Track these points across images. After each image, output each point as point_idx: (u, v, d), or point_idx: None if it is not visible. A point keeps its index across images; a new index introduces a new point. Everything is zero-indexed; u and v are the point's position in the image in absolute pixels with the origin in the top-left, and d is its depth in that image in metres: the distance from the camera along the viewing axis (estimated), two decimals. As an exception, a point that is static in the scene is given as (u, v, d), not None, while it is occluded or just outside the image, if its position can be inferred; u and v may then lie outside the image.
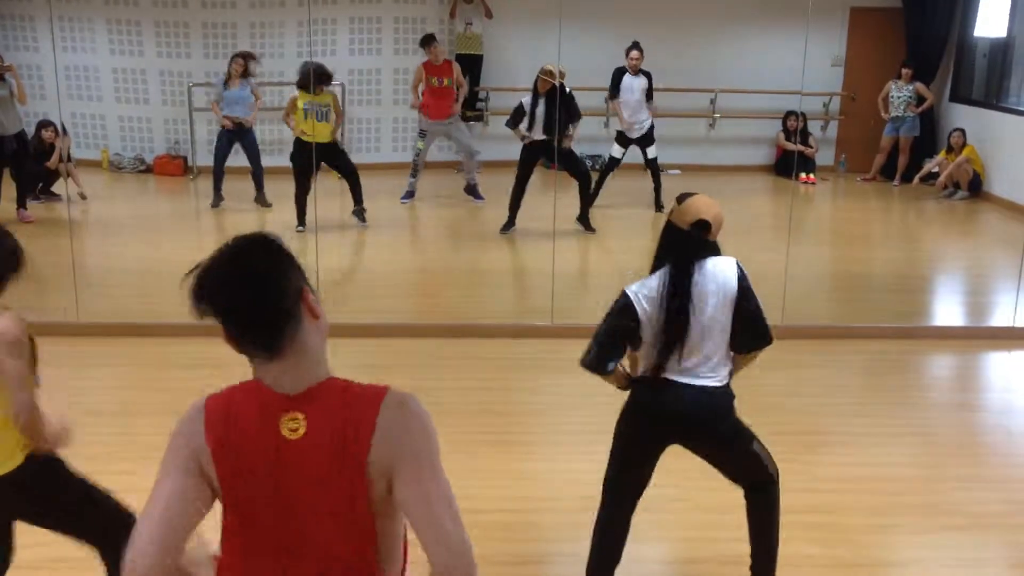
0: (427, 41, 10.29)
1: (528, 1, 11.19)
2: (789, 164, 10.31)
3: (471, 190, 10.38)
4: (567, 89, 8.81)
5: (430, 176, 10.74)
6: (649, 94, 9.95)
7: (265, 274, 1.81)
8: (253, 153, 9.93)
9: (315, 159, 8.27)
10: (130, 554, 1.80)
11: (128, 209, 10.55)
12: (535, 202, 9.01)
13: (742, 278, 3.26)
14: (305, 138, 8.63)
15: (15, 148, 9.20)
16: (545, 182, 9.88)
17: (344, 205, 9.19)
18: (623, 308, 3.29)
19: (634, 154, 10.06)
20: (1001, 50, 11.47)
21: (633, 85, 9.90)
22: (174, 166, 11.69)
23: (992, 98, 11.64)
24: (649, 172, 10.10)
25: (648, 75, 9.95)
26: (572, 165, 9.03)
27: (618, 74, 9.99)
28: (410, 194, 10.39)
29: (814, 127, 12.38)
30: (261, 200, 9.94)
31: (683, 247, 3.28)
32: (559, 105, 8.39)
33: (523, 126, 9.04)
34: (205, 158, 10.65)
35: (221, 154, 9.93)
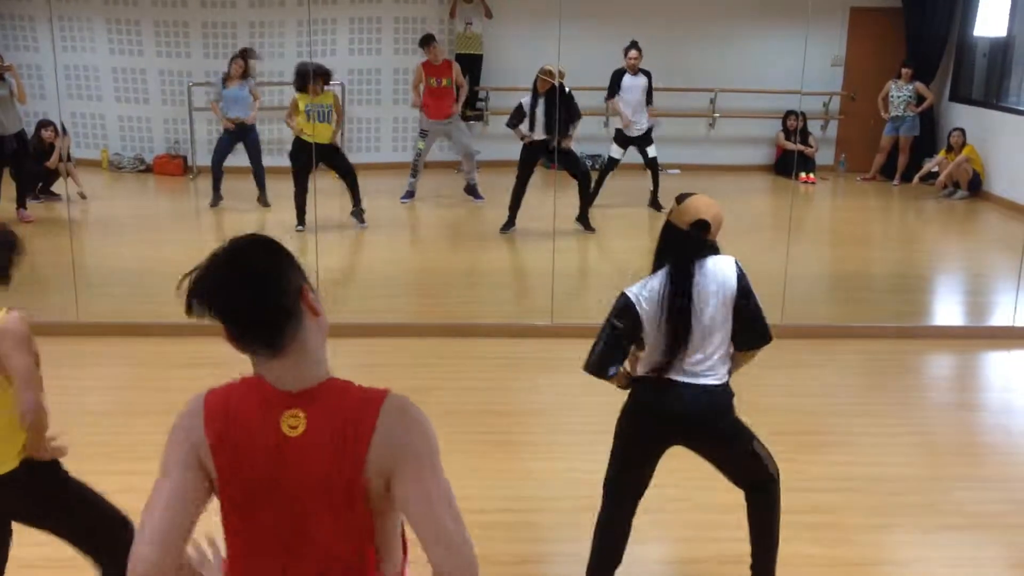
0: (426, 41, 10.29)
1: (528, 1, 11.19)
2: (789, 164, 10.31)
3: (471, 190, 10.38)
4: (567, 89, 8.81)
5: (430, 176, 10.74)
6: (649, 96, 9.94)
7: (264, 274, 1.82)
8: (255, 153, 9.92)
9: (314, 159, 8.28)
10: (133, 553, 1.81)
11: (128, 209, 10.55)
12: (535, 202, 9.01)
13: (741, 277, 3.26)
14: (305, 138, 8.64)
15: (15, 148, 9.20)
16: (545, 182, 9.88)
17: (344, 205, 9.20)
18: (623, 310, 3.29)
19: (633, 154, 10.06)
20: (1001, 50, 11.47)
21: (633, 85, 9.90)
22: (174, 166, 11.69)
23: (992, 98, 11.64)
24: (649, 172, 10.09)
25: (648, 74, 9.94)
26: (572, 165, 9.04)
27: (617, 75, 9.98)
28: (410, 194, 10.39)
29: (814, 127, 12.38)
30: (263, 200, 9.95)
31: (683, 247, 3.28)
32: (559, 105, 8.39)
33: (523, 126, 9.04)
34: (205, 158, 10.65)
35: (221, 154, 9.93)
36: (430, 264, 8.63)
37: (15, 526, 3.04)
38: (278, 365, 1.84)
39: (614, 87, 9.95)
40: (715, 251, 3.32)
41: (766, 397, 5.15)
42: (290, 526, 1.85)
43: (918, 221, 11.14)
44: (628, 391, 3.44)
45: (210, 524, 1.92)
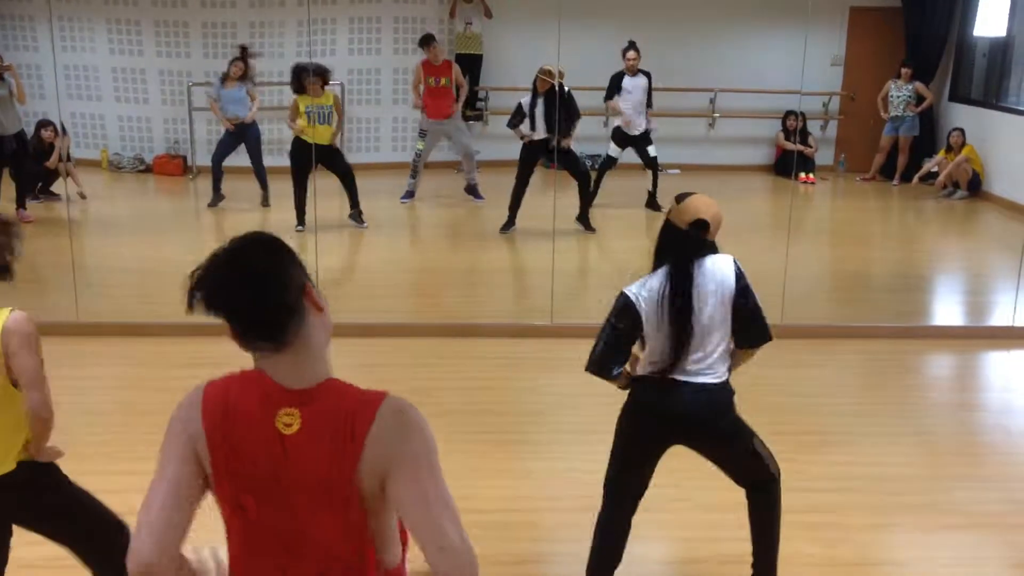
0: (426, 41, 10.29)
1: (528, 1, 11.19)
2: (788, 164, 10.32)
3: (471, 190, 10.38)
4: (566, 89, 8.81)
5: (430, 176, 10.74)
6: (649, 98, 9.94)
7: (266, 272, 1.82)
8: (255, 151, 9.92)
9: (314, 161, 8.28)
10: (132, 548, 1.82)
11: (128, 209, 10.55)
12: (535, 202, 9.01)
13: (740, 276, 3.26)
14: (304, 138, 8.65)
15: (14, 148, 9.20)
16: (545, 182, 9.88)
17: (343, 205, 9.20)
18: (623, 310, 3.29)
19: (633, 154, 10.05)
20: (1000, 50, 11.48)
21: (634, 86, 9.89)
22: (173, 166, 11.70)
23: (991, 98, 11.64)
24: (649, 172, 10.09)
25: (648, 75, 9.94)
26: (572, 164, 9.04)
27: (617, 77, 9.96)
28: (410, 194, 10.39)
29: (813, 127, 12.39)
30: (265, 200, 9.95)
31: (682, 246, 3.28)
32: (558, 105, 8.39)
33: (523, 126, 9.04)
34: (205, 158, 10.66)
35: (221, 153, 9.93)
36: (430, 264, 8.63)
37: (15, 527, 3.04)
38: (281, 361, 1.85)
39: (613, 89, 9.94)
40: (714, 250, 3.32)
41: (766, 397, 5.15)
42: (289, 525, 1.85)
43: (918, 221, 11.15)
44: (628, 391, 3.44)
45: (211, 526, 1.91)
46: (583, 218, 9.19)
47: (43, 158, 9.87)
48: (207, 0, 11.61)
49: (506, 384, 5.77)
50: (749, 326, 3.30)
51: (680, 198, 3.36)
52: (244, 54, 10.02)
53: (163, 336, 6.23)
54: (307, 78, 8.66)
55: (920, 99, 11.89)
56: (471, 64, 11.77)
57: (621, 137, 9.99)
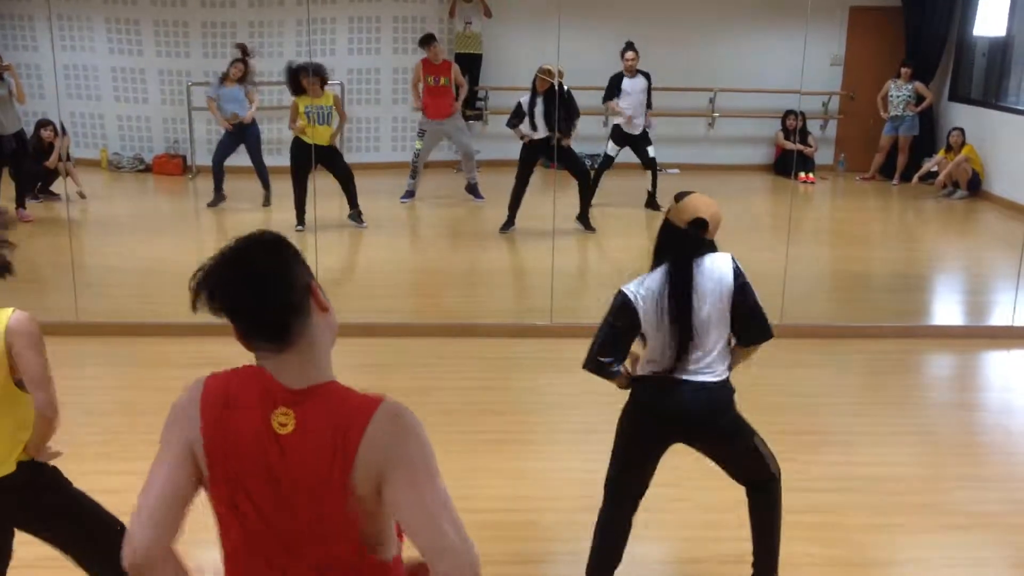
0: (427, 41, 10.28)
1: (527, 0, 11.19)
2: (788, 163, 10.32)
3: (471, 189, 10.38)
4: (565, 88, 8.81)
5: (430, 176, 10.74)
6: (648, 100, 9.94)
7: (271, 272, 1.83)
8: (255, 150, 9.91)
9: (313, 161, 8.27)
10: (128, 535, 1.83)
11: (127, 208, 10.55)
12: (535, 201, 9.01)
13: (738, 274, 3.26)
14: (304, 138, 8.64)
15: (14, 147, 9.20)
16: (545, 181, 9.88)
17: (343, 205, 9.19)
18: (621, 308, 3.29)
19: (632, 154, 10.05)
20: (1000, 49, 11.48)
21: (633, 87, 9.89)
22: (173, 165, 11.69)
23: (991, 97, 11.64)
24: (648, 172, 10.08)
25: (647, 76, 9.93)
26: (572, 164, 9.03)
27: (616, 79, 9.96)
28: (410, 194, 10.39)
29: (813, 126, 12.39)
30: (267, 199, 9.95)
31: (681, 245, 3.28)
32: (558, 104, 8.38)
33: (523, 126, 9.04)
34: (204, 157, 10.66)
35: (221, 154, 9.93)
36: (430, 264, 8.63)
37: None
38: (283, 360, 1.85)
39: (612, 91, 9.93)
40: (713, 249, 3.32)
41: (766, 397, 5.14)
42: (286, 524, 1.85)
43: (917, 221, 11.14)
44: (628, 391, 3.44)
45: (208, 525, 1.91)
46: (583, 218, 9.19)
47: (42, 158, 9.86)
48: (206, 0, 11.61)
49: (506, 384, 5.76)
50: (749, 324, 3.29)
51: (679, 197, 3.36)
52: (244, 55, 10.01)
53: (163, 336, 6.23)
54: (305, 78, 8.65)
55: (920, 99, 11.89)
56: (471, 64, 11.76)
57: (620, 136, 9.98)
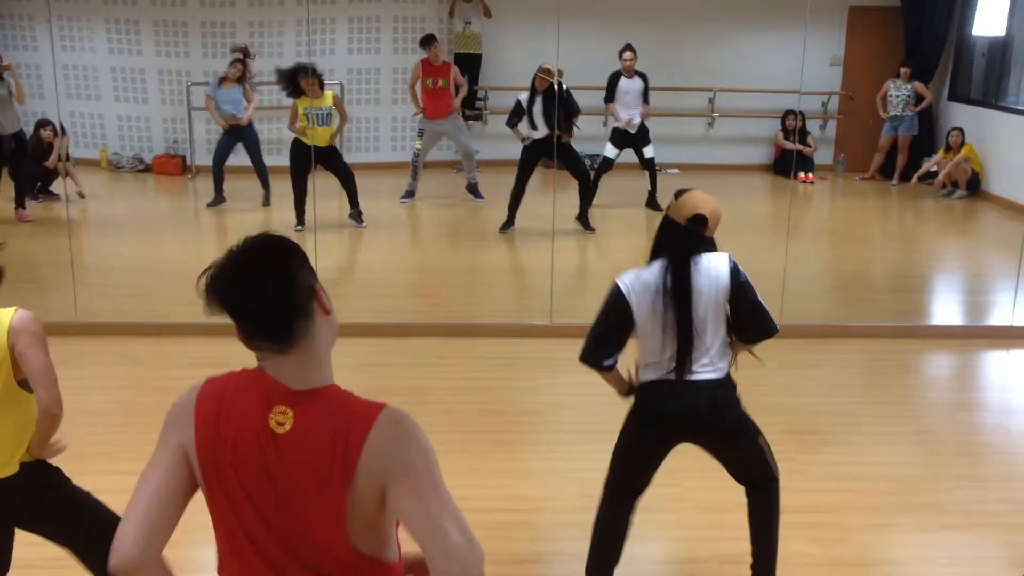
0: (427, 41, 10.28)
1: (527, 0, 11.19)
2: (788, 163, 10.32)
3: (472, 189, 10.38)
4: (564, 88, 8.81)
5: (430, 176, 10.74)
6: (645, 97, 9.95)
7: (275, 274, 1.84)
8: (254, 151, 9.92)
9: (312, 161, 8.27)
10: (115, 546, 1.83)
11: (127, 208, 10.55)
12: (534, 201, 9.01)
13: (735, 272, 3.25)
14: (304, 139, 8.64)
15: (13, 148, 9.19)
16: (544, 181, 9.88)
17: (343, 205, 9.20)
18: (614, 302, 3.29)
19: (632, 154, 10.06)
20: (1000, 49, 11.48)
21: (630, 88, 9.90)
22: (173, 165, 11.69)
23: (991, 97, 11.64)
24: (647, 172, 10.09)
25: (644, 77, 9.95)
26: (572, 163, 9.03)
27: (614, 78, 9.97)
28: (410, 194, 10.39)
29: (813, 126, 12.39)
30: (267, 199, 9.95)
31: (680, 242, 3.27)
32: (557, 104, 8.38)
33: (522, 126, 9.04)
34: (204, 157, 10.66)
35: (221, 154, 9.93)
36: (430, 264, 8.63)
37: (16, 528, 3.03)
38: (285, 361, 1.86)
39: (612, 90, 9.95)
40: (712, 248, 3.32)
41: (766, 397, 5.13)
42: (285, 525, 1.85)
43: (917, 221, 11.15)
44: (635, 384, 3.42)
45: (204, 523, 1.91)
46: (582, 218, 9.18)
47: (42, 158, 9.86)
48: (206, 0, 11.61)
49: (506, 384, 5.77)
50: (749, 323, 3.29)
51: (679, 194, 3.36)
52: (243, 56, 10.01)
53: (162, 336, 6.22)
54: (303, 79, 8.64)
55: (919, 98, 11.89)
56: (470, 64, 11.76)
57: (619, 138, 10.00)
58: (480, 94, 12.13)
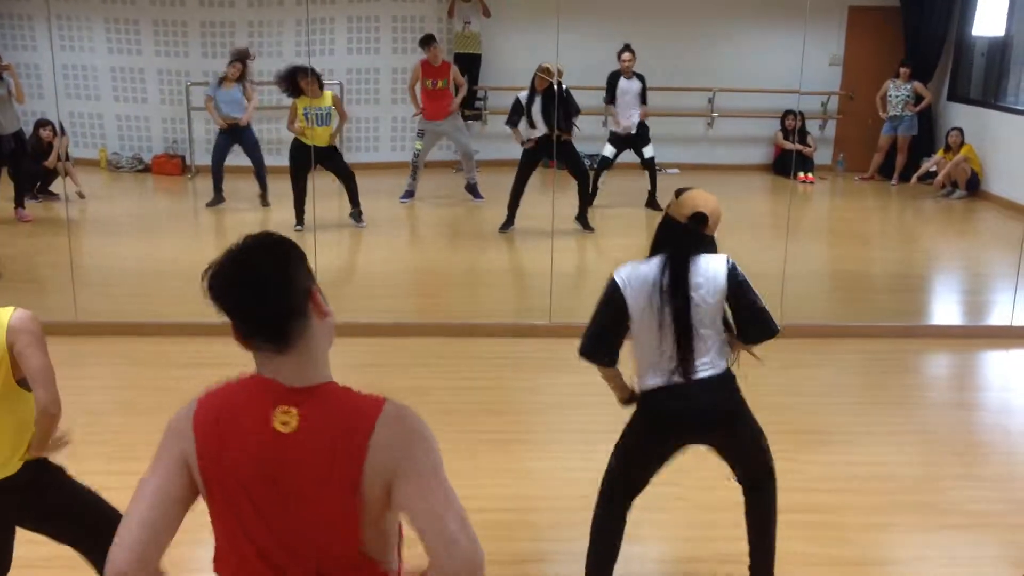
0: (427, 41, 10.27)
1: (526, 0, 11.18)
2: (787, 163, 10.32)
3: (471, 189, 10.38)
4: (564, 87, 8.81)
5: (429, 176, 10.74)
6: (643, 98, 9.95)
7: (274, 274, 1.84)
8: (254, 152, 9.91)
9: (312, 161, 8.27)
10: (111, 556, 1.82)
11: (126, 208, 10.54)
12: (534, 201, 9.01)
13: (733, 272, 3.24)
14: (303, 140, 8.64)
15: (13, 147, 9.19)
16: (544, 181, 9.88)
17: (342, 205, 9.20)
18: (611, 292, 3.30)
19: (632, 154, 10.06)
20: (999, 49, 11.48)
21: (628, 89, 9.90)
22: (172, 165, 11.69)
23: (990, 97, 11.65)
24: (647, 172, 10.09)
25: (642, 78, 9.96)
26: (572, 162, 9.02)
27: (613, 78, 9.98)
28: (409, 194, 10.39)
29: (812, 126, 12.39)
30: (264, 199, 9.94)
31: (680, 240, 3.27)
32: (557, 104, 8.38)
33: (521, 126, 9.03)
34: (203, 157, 10.66)
35: (219, 154, 9.93)
36: (429, 264, 8.63)
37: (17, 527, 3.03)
38: (282, 362, 1.86)
39: (612, 90, 9.95)
40: (713, 246, 3.31)
41: (766, 396, 5.10)
42: (286, 525, 1.85)
43: (916, 221, 11.15)
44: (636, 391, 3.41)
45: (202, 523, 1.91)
46: (582, 218, 9.18)
47: (41, 158, 9.86)
48: (205, 0, 11.60)
49: (505, 384, 5.77)
50: (750, 323, 3.28)
51: (679, 193, 3.36)
52: (242, 59, 9.99)
53: (162, 336, 6.22)
54: (303, 79, 8.63)
55: (919, 98, 11.89)
56: (470, 63, 11.75)
57: (618, 139, 10.01)
58: (479, 94, 12.12)
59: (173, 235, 9.10)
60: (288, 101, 9.05)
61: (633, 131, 9.92)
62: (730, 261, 3.28)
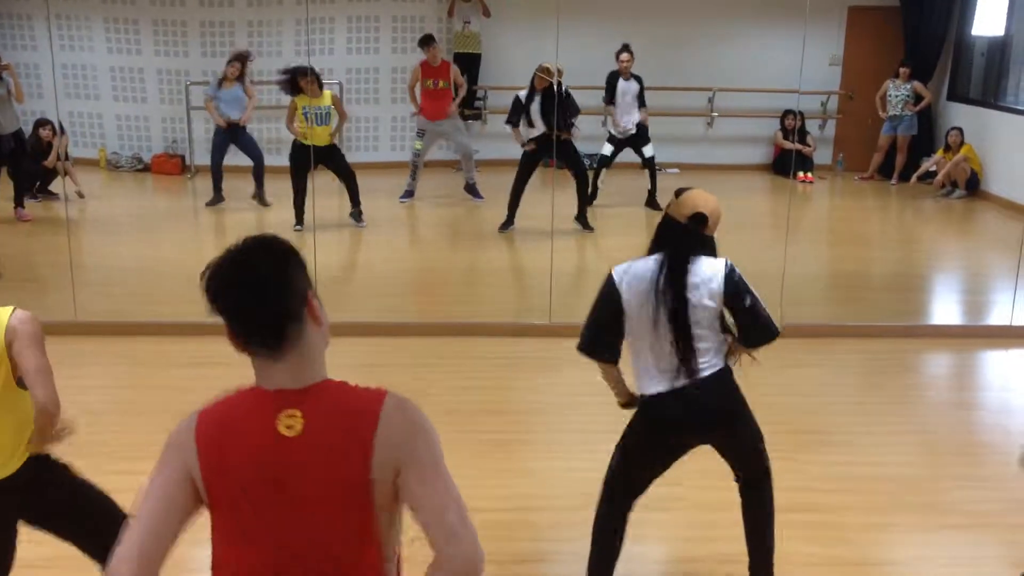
0: (426, 41, 10.27)
1: (526, 0, 11.19)
2: (787, 163, 10.33)
3: (471, 189, 10.38)
4: (564, 87, 8.80)
5: (429, 175, 10.74)
6: (641, 100, 9.96)
7: (272, 277, 1.84)
8: (252, 151, 9.91)
9: (312, 161, 8.27)
10: (111, 567, 1.81)
11: (126, 208, 10.54)
12: (534, 201, 9.01)
13: (731, 276, 3.23)
14: (303, 140, 8.64)
15: (12, 147, 9.19)
16: (544, 181, 9.88)
17: (342, 204, 9.20)
18: (607, 288, 3.31)
19: (632, 154, 10.06)
20: (999, 49, 11.48)
21: (626, 89, 9.91)
22: (172, 165, 11.69)
23: (990, 97, 11.65)
24: (647, 171, 10.09)
25: (640, 80, 9.96)
26: (572, 162, 9.02)
27: (612, 78, 9.98)
28: (409, 194, 10.39)
29: (812, 126, 12.40)
30: (260, 198, 9.93)
31: (679, 240, 3.27)
32: (556, 104, 8.37)
33: (521, 127, 9.03)
34: (203, 157, 10.65)
35: (219, 153, 9.93)
36: (429, 263, 8.63)
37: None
38: (277, 367, 1.86)
39: (611, 91, 9.96)
40: (712, 246, 3.31)
41: (765, 397, 5.09)
42: (291, 527, 1.84)
43: (916, 220, 11.15)
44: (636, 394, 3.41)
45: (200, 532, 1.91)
46: (581, 217, 9.18)
47: (41, 157, 9.86)
48: (205, 0, 11.62)
49: (505, 383, 5.76)
50: (750, 326, 3.28)
51: (679, 192, 3.36)
52: (242, 59, 9.98)
53: (161, 335, 6.22)
54: (303, 79, 8.63)
55: (918, 98, 11.90)
56: (469, 63, 11.76)
57: (616, 140, 10.02)
58: (479, 94, 12.13)
59: (173, 235, 9.10)
60: (287, 99, 9.05)
61: (632, 132, 9.92)
62: (728, 264, 3.27)
